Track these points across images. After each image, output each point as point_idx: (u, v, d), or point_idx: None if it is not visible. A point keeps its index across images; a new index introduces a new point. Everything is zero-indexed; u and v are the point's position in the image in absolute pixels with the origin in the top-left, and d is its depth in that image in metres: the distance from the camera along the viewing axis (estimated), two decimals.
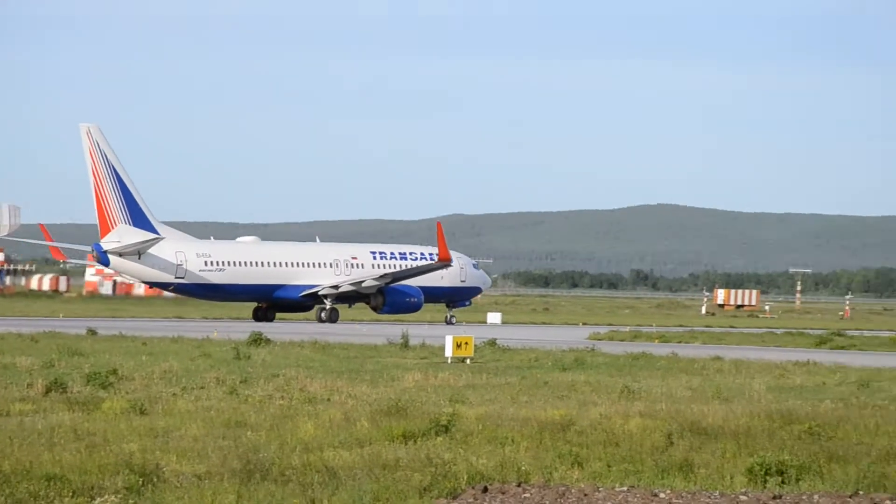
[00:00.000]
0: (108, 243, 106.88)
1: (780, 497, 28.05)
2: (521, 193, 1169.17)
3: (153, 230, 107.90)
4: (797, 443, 36.09)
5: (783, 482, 30.62)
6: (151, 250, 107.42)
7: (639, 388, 51.53)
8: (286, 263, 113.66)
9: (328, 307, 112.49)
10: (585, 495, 28.13)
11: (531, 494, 28.10)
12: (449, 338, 66.74)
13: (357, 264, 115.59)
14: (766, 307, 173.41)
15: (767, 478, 30.78)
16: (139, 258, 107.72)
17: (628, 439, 36.23)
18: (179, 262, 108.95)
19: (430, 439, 35.86)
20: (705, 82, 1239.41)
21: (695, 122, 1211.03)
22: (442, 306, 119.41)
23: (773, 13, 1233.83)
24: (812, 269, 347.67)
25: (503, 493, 28.27)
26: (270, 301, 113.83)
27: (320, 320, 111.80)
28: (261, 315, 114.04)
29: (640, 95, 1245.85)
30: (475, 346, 68.02)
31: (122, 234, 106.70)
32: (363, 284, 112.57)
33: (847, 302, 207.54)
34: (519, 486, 28.84)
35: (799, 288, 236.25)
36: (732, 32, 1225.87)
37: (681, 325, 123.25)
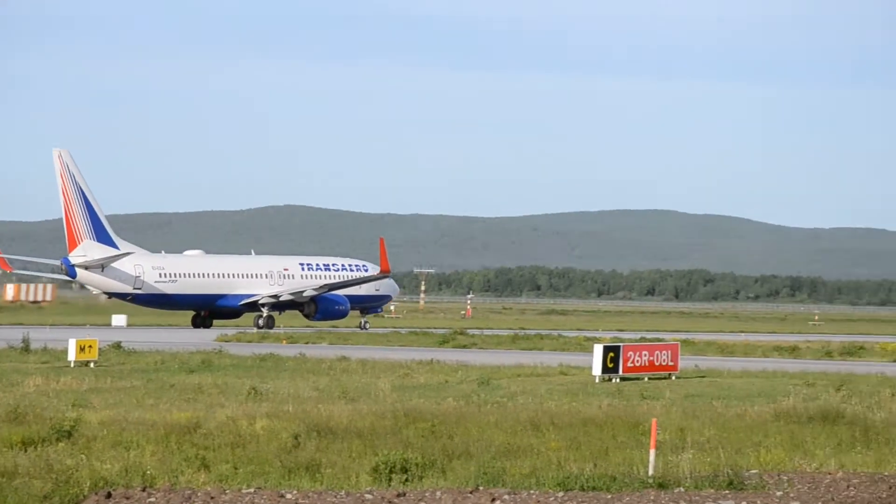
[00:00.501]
0: (75, 257, 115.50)
1: (404, 494, 28.64)
2: None
3: (114, 246, 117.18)
4: (421, 440, 36.87)
5: (407, 480, 31.24)
6: (114, 264, 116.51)
7: (266, 390, 51.67)
8: (228, 275, 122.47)
9: (265, 315, 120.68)
10: (212, 498, 28.02)
11: (156, 499, 27.80)
12: (72, 341, 65.33)
13: (288, 275, 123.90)
14: (392, 307, 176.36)
15: (392, 476, 31.35)
16: (103, 271, 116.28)
17: (255, 441, 36.26)
18: (138, 275, 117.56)
19: (52, 445, 34.99)
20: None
21: (302, 120, 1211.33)
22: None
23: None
24: (436, 269, 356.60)
25: (127, 499, 27.87)
26: (213, 309, 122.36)
27: (258, 327, 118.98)
28: (199, 322, 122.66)
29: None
30: (100, 349, 66.82)
31: (88, 250, 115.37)
32: (303, 294, 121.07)
33: (468, 301, 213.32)
34: (144, 490, 28.49)
35: (423, 288, 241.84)
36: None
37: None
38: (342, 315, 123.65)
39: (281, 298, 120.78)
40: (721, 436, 39.56)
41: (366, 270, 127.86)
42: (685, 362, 71.88)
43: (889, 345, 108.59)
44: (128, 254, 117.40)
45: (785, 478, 31.35)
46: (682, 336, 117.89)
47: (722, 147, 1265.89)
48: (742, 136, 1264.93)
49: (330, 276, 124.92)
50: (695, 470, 31.55)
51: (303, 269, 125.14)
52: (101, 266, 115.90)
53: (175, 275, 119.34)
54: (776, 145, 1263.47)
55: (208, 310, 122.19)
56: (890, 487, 29.83)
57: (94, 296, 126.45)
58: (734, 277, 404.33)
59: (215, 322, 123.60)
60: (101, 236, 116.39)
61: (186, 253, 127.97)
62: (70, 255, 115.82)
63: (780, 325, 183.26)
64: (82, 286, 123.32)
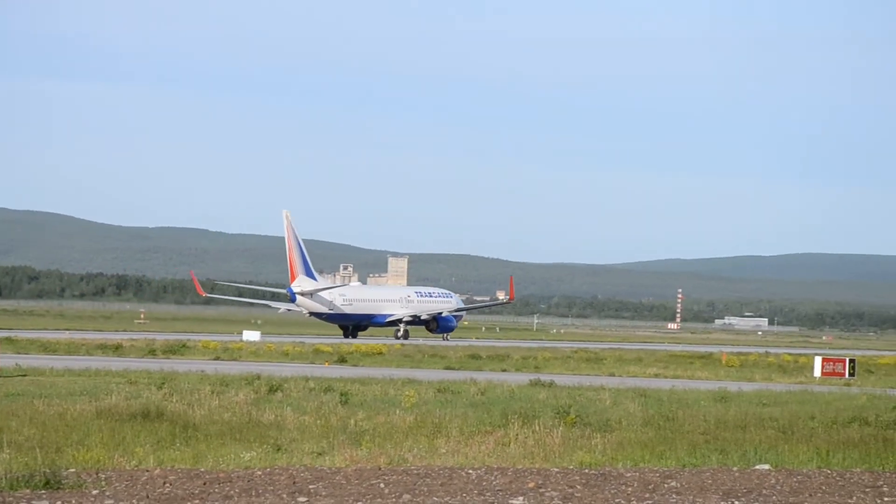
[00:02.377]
0: (296, 287, 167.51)
1: None
2: None
3: (315, 279, 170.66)
4: None
5: None
6: (319, 292, 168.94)
7: None
8: (379, 300, 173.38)
9: (402, 329, 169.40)
10: None
11: None
12: None
13: (409, 300, 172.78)
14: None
15: None
16: (311, 297, 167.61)
17: None
18: (332, 300, 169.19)
19: None
20: None
21: None
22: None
23: None
24: None
25: None
26: (370, 324, 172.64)
27: (397, 337, 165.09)
28: (347, 335, 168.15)
29: None
30: None
31: (303, 283, 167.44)
32: (434, 314, 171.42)
33: None
34: None
35: None
36: None
37: None
38: (453, 329, 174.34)
39: (421, 317, 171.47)
40: (41, 435, 39.02)
41: (449, 297, 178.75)
42: (6, 360, 70.30)
43: (211, 343, 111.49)
44: (332, 287, 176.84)
45: (103, 476, 31.34)
46: (5, 334, 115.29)
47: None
48: None
49: (443, 302, 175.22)
50: (10, 470, 30.93)
51: (419, 296, 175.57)
52: (311, 294, 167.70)
53: (352, 301, 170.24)
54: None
55: (367, 324, 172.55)
56: (205, 483, 30.52)
57: (299, 314, 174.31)
58: (60, 275, 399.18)
59: (360, 334, 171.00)
60: (309, 273, 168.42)
61: (351, 284, 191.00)
62: (292, 285, 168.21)
63: (106, 324, 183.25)
64: (288, 309, 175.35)
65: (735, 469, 35.95)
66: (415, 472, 33.03)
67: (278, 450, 38.59)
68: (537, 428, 44.53)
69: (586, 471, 34.64)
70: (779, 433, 45.87)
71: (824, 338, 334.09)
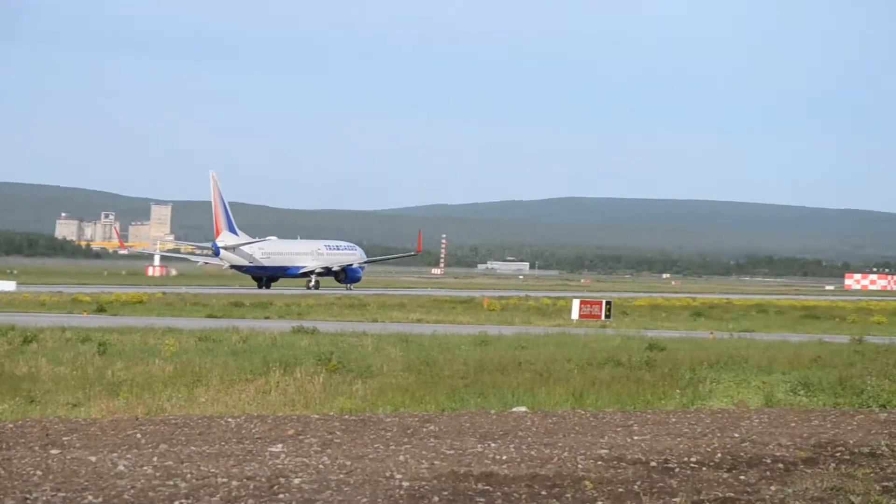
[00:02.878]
0: (220, 242, 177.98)
1: None
2: None
3: (237, 235, 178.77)
4: None
5: None
6: (241, 247, 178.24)
7: None
8: (294, 253, 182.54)
9: (314, 280, 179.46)
10: None
11: None
12: None
13: (320, 253, 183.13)
14: None
15: None
16: (234, 251, 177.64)
17: None
18: (252, 254, 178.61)
19: None
20: None
21: None
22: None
23: None
24: None
25: None
26: (284, 276, 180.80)
27: (308, 287, 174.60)
28: (261, 285, 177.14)
29: None
30: None
31: (226, 238, 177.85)
32: (343, 265, 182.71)
33: None
34: None
35: None
36: None
37: None
38: (359, 279, 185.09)
39: (332, 269, 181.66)
40: None
41: (354, 250, 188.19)
42: None
43: None
44: (253, 241, 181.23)
45: None
46: None
47: None
48: None
49: (349, 254, 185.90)
50: None
51: (328, 248, 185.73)
52: (233, 248, 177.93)
53: (269, 254, 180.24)
54: None
55: (282, 275, 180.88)
56: None
57: (219, 267, 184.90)
58: None
59: (273, 285, 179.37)
60: (231, 229, 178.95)
61: (268, 238, 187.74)
62: (216, 240, 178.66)
63: None
64: (206, 262, 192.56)
65: (493, 412, 36.54)
66: (173, 421, 32.71)
67: (31, 402, 37.80)
68: (298, 375, 44.53)
69: (346, 417, 34.79)
70: (536, 376, 46.75)
71: (582, 281, 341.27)
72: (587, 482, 24.81)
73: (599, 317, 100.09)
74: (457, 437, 30.76)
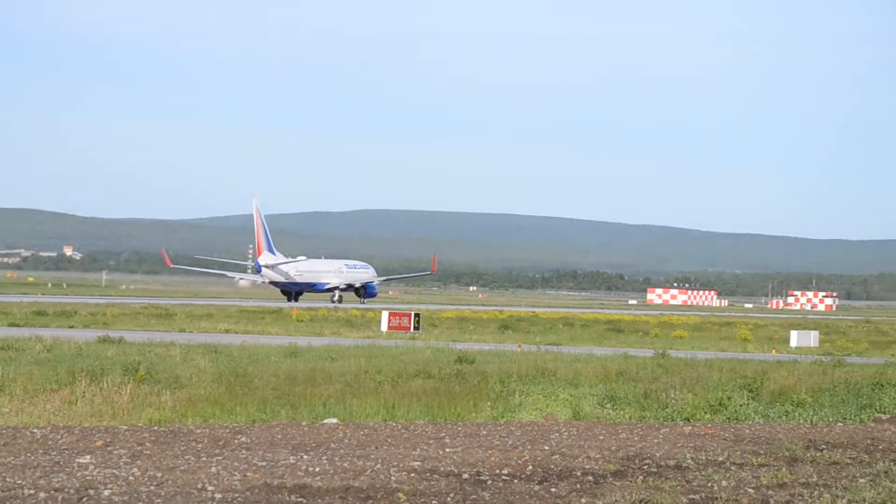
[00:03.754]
0: (262, 261, 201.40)
1: None
2: None
3: (275, 255, 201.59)
4: None
5: None
6: (279, 266, 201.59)
7: None
8: (320, 271, 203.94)
9: (337, 295, 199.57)
10: None
11: None
12: None
13: (340, 271, 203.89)
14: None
15: None
16: (273, 269, 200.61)
17: None
18: (288, 272, 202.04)
19: None
20: None
21: None
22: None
23: None
24: None
25: None
26: (313, 291, 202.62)
27: (332, 301, 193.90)
28: (290, 299, 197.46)
29: None
30: None
31: (267, 258, 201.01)
32: (364, 282, 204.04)
33: None
34: None
35: None
36: None
37: None
38: (376, 295, 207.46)
39: (355, 286, 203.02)
40: None
41: (367, 268, 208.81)
42: None
43: None
44: (288, 261, 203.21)
45: None
46: None
47: None
48: None
49: (365, 272, 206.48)
50: None
51: (347, 267, 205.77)
52: (273, 266, 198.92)
53: (302, 272, 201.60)
54: None
55: (311, 290, 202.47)
56: None
57: (260, 284, 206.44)
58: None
59: (301, 299, 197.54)
60: (271, 250, 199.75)
61: (299, 258, 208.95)
62: (259, 259, 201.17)
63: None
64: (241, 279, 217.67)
65: (305, 424, 36.40)
66: None
67: None
68: (105, 385, 43.81)
69: (156, 428, 34.31)
70: (346, 387, 46.73)
71: (391, 293, 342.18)
72: (400, 494, 24.87)
73: (409, 329, 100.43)
74: (269, 449, 30.56)
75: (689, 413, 42.80)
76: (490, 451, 31.10)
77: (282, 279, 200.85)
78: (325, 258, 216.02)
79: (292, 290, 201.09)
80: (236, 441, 31.76)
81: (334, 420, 38.11)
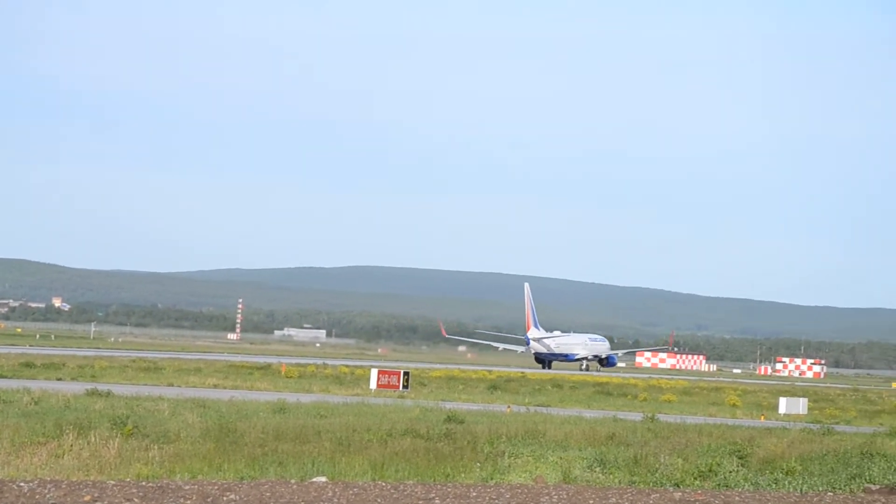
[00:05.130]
0: (531, 335, 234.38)
1: None
2: None
3: (539, 330, 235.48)
4: None
5: None
6: (543, 339, 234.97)
7: None
8: (571, 344, 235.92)
9: (585, 364, 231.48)
10: None
11: None
12: None
13: (587, 344, 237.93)
14: None
15: None
16: (539, 342, 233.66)
17: None
18: (549, 344, 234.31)
19: None
20: None
21: None
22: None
23: None
24: None
25: None
26: (564, 361, 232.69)
27: (580, 369, 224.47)
28: (544, 367, 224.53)
29: None
30: None
31: (534, 332, 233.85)
32: (606, 354, 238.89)
33: None
34: None
35: None
36: None
37: None
38: (615, 365, 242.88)
39: (601, 357, 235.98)
40: None
41: (604, 340, 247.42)
42: None
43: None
44: (550, 336, 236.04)
45: None
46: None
47: None
48: None
49: (603, 345, 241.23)
50: None
51: (590, 340, 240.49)
52: (539, 340, 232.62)
53: (559, 345, 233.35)
54: None
55: (563, 360, 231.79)
56: None
57: (522, 354, 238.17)
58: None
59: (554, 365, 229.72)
60: (536, 325, 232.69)
61: (554, 333, 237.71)
62: (527, 333, 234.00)
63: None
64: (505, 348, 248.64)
65: (293, 481, 36.21)
66: None
67: None
68: (93, 439, 43.59)
69: (144, 483, 34.11)
70: (336, 445, 46.52)
71: (379, 350, 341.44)
72: None
73: (398, 387, 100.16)
74: None
75: (678, 479, 42.65)
76: None
77: (544, 350, 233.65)
78: (574, 333, 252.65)
79: (550, 360, 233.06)
80: (225, 498, 31.58)
81: (323, 478, 37.93)
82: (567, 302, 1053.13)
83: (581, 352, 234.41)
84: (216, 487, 33.57)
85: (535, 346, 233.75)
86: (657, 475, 43.55)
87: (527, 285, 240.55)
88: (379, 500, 32.73)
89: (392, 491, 34.88)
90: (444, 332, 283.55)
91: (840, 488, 42.83)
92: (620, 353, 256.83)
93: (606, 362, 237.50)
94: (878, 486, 43.28)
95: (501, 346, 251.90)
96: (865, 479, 45.68)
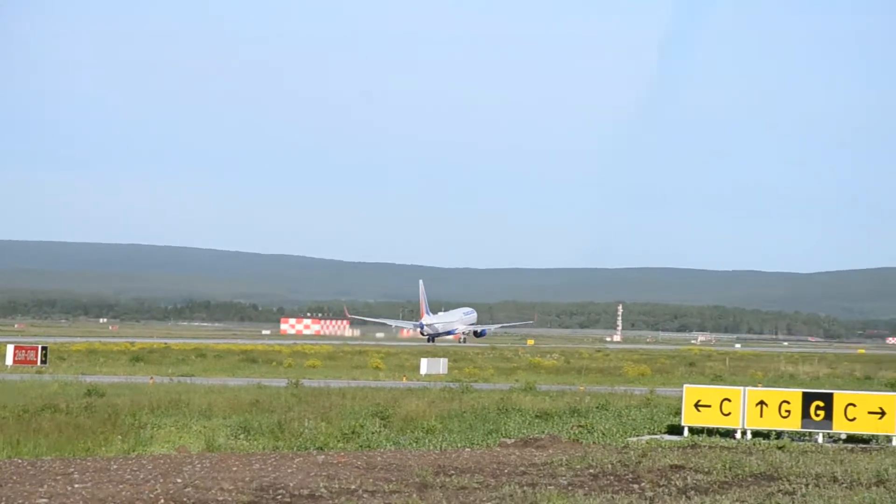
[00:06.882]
0: (425, 321, 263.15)
1: None
2: None
3: (430, 314, 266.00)
4: None
5: None
6: (433, 324, 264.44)
7: None
8: (453, 321, 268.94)
9: (464, 337, 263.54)
10: None
11: None
12: None
13: (463, 318, 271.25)
14: None
15: None
16: (429, 326, 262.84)
17: None
18: (436, 327, 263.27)
19: None
20: None
21: None
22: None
23: None
24: None
25: None
26: (448, 334, 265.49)
27: (458, 341, 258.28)
28: (429, 340, 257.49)
29: None
30: None
31: (427, 318, 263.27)
32: (479, 329, 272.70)
33: None
34: None
35: None
36: None
37: None
38: (485, 335, 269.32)
39: (476, 331, 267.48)
40: None
41: (471, 312, 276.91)
42: None
43: None
44: (440, 318, 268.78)
45: None
46: None
47: None
48: None
49: (472, 316, 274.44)
50: None
51: (463, 315, 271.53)
52: (430, 325, 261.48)
53: (444, 325, 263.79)
54: None
55: (447, 334, 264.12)
56: None
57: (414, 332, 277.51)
58: None
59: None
60: (428, 312, 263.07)
61: (439, 313, 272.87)
62: (421, 320, 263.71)
63: None
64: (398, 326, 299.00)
65: None
66: None
67: None
68: None
69: None
70: None
71: (16, 326, 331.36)
72: None
73: (35, 362, 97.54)
74: None
75: (322, 442, 43.07)
76: (121, 486, 30.52)
77: (432, 332, 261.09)
78: (449, 311, 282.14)
79: (434, 335, 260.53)
80: None
81: None
82: (208, 271, 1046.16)
83: (460, 327, 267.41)
84: None
85: (427, 329, 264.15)
86: (301, 439, 43.86)
87: (421, 282, 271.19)
88: (14, 478, 31.81)
89: (28, 467, 33.99)
90: (347, 314, 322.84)
91: (478, 444, 44.08)
92: (493, 327, 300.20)
93: (480, 334, 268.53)
94: (513, 440, 44.76)
95: (394, 323, 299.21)
96: (502, 434, 47.18)
